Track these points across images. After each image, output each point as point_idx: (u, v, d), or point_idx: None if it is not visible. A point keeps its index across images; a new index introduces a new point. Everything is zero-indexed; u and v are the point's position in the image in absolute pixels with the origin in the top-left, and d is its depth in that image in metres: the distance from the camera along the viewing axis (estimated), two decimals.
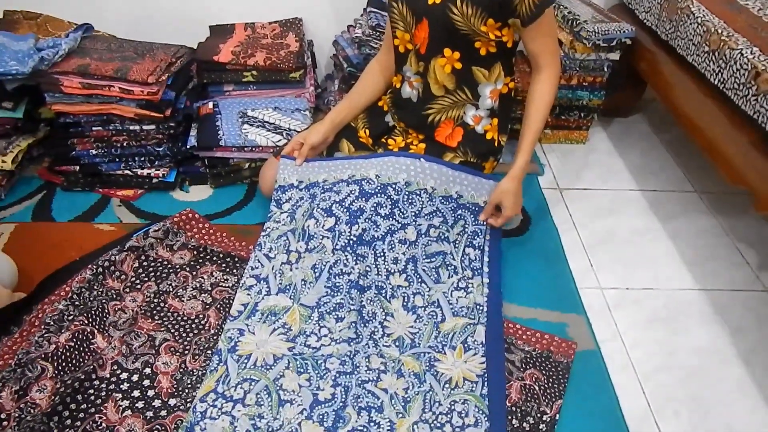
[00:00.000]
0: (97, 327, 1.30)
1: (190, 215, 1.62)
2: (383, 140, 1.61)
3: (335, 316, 1.33)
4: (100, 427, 1.14)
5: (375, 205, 1.42)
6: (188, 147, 1.75)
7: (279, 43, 2.00)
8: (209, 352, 1.29)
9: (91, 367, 1.22)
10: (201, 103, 1.89)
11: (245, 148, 1.75)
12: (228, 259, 1.50)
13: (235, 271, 1.48)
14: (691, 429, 1.25)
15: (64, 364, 1.21)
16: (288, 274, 1.41)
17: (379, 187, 1.43)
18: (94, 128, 1.71)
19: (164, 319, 1.36)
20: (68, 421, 1.14)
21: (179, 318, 1.36)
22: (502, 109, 1.52)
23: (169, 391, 1.21)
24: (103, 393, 1.19)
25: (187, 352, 1.29)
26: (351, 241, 1.39)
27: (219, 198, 1.77)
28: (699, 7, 1.68)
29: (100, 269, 1.41)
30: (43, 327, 1.27)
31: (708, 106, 1.62)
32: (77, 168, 1.75)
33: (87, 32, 1.89)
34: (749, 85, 1.43)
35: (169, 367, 1.26)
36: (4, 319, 1.30)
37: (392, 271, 1.39)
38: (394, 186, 1.43)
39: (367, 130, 1.62)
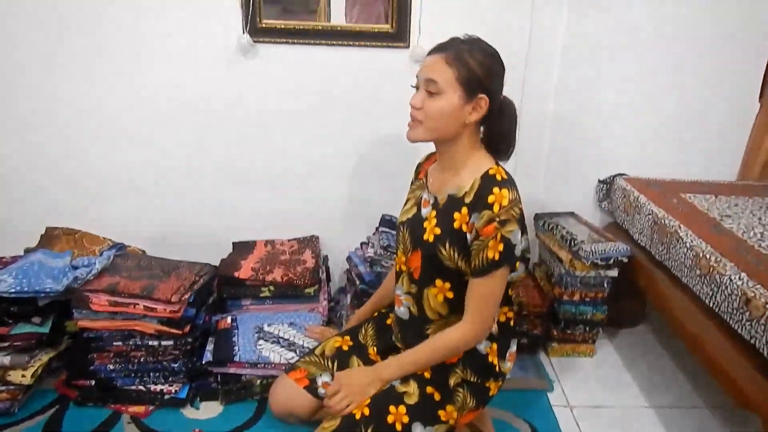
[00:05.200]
0: None
1: None
2: (391, 356, 1.65)
3: None
4: None
5: None
6: (203, 362, 1.80)
7: (296, 259, 2.14)
8: None
9: None
10: (220, 317, 1.97)
11: (258, 365, 1.79)
12: None
13: None
14: None
15: None
16: None
17: None
18: (114, 343, 1.78)
19: None
20: None
21: None
22: (502, 334, 1.54)
23: None
24: None
25: None
26: None
27: (229, 415, 1.77)
28: (687, 231, 1.80)
29: None
30: None
31: (709, 327, 1.66)
32: (93, 382, 1.78)
33: (120, 251, 2.05)
34: (742, 310, 1.49)
35: None
36: None
37: None
38: None
39: (375, 348, 1.67)
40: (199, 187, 2.25)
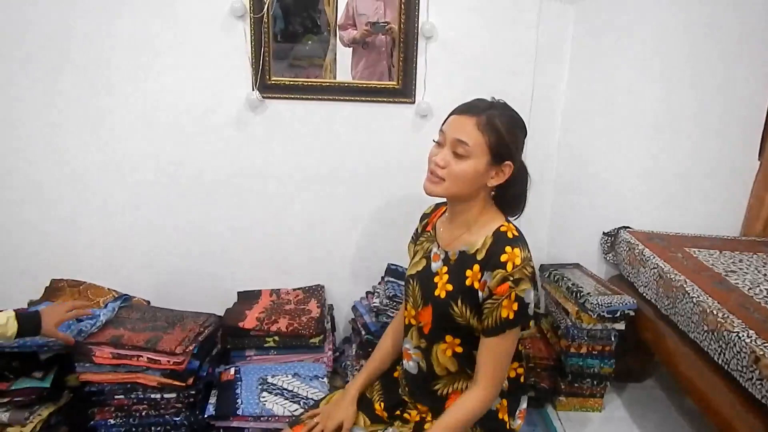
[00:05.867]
0: None
1: None
2: (398, 413, 1.62)
3: None
4: None
5: None
6: (206, 416, 1.77)
7: (302, 308, 2.13)
8: None
9: None
10: (223, 369, 1.95)
11: (262, 418, 1.77)
12: None
13: None
14: None
15: None
16: None
17: None
18: (116, 397, 1.75)
19: None
20: None
21: None
22: (512, 390, 1.53)
23: None
24: None
25: None
26: None
27: None
28: (693, 286, 1.79)
29: None
30: None
31: (717, 385, 1.63)
32: None
33: (125, 302, 2.04)
34: (751, 368, 1.47)
35: None
36: None
37: None
38: None
39: (382, 403, 1.64)
40: (205, 237, 2.25)
